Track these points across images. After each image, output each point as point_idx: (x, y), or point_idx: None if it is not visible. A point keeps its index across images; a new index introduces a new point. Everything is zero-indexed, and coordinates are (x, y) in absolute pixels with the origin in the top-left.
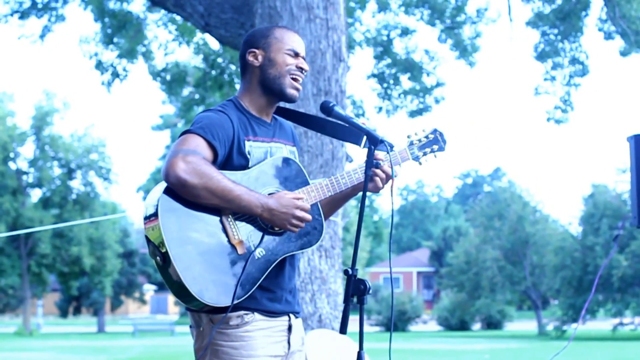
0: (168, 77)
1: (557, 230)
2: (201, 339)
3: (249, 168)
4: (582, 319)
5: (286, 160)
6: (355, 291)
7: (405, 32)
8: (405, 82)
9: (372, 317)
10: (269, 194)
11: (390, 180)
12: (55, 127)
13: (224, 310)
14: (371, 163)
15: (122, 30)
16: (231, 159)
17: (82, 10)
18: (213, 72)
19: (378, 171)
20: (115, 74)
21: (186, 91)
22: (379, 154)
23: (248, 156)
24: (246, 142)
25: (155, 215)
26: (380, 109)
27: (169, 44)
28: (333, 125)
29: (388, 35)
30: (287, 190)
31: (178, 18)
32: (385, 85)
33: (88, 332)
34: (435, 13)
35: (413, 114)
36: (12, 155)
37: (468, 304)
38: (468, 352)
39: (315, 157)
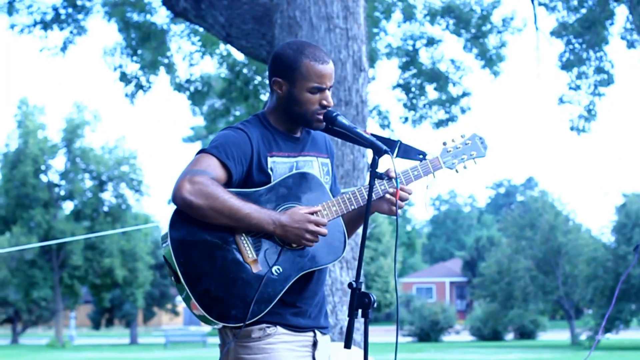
0: (192, 89)
1: (589, 240)
2: (227, 355)
3: (270, 184)
4: (616, 328)
5: (305, 176)
6: (360, 305)
7: (431, 41)
8: (431, 92)
9: (405, 328)
10: (285, 209)
11: (396, 192)
12: (86, 139)
13: (246, 325)
14: (375, 174)
15: (146, 42)
16: (251, 176)
17: (106, 22)
18: (238, 83)
19: (389, 197)
20: (139, 86)
21: (211, 103)
22: (409, 164)
23: (270, 172)
24: (269, 158)
25: (167, 235)
26: (406, 119)
27: (194, 54)
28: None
29: (413, 45)
30: (306, 205)
31: (201, 29)
32: (410, 95)
33: (120, 344)
34: (461, 22)
35: (439, 124)
36: (43, 167)
37: (501, 314)
38: None
39: (336, 168)
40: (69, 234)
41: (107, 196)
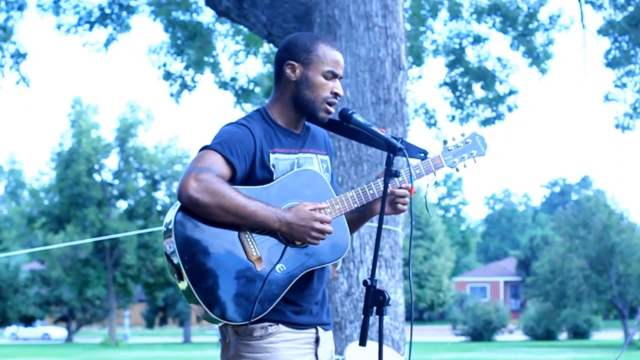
0: (237, 87)
1: None
2: (227, 350)
3: (273, 181)
4: None
5: (308, 173)
6: (375, 302)
7: (478, 40)
8: (478, 90)
9: (458, 327)
10: (289, 207)
11: (412, 188)
12: (139, 138)
13: (251, 323)
14: (390, 171)
15: (191, 41)
16: (254, 173)
17: (152, 21)
18: None
19: (397, 192)
20: (184, 85)
21: (261, 101)
22: (413, 162)
23: (272, 169)
24: (271, 155)
25: (171, 233)
26: (453, 117)
27: (238, 53)
28: (365, 133)
29: (460, 44)
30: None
31: (244, 29)
32: (457, 93)
33: (174, 343)
34: (508, 20)
35: (485, 122)
36: (97, 167)
37: (554, 314)
38: None
39: (375, 166)
40: (122, 233)
41: (160, 195)
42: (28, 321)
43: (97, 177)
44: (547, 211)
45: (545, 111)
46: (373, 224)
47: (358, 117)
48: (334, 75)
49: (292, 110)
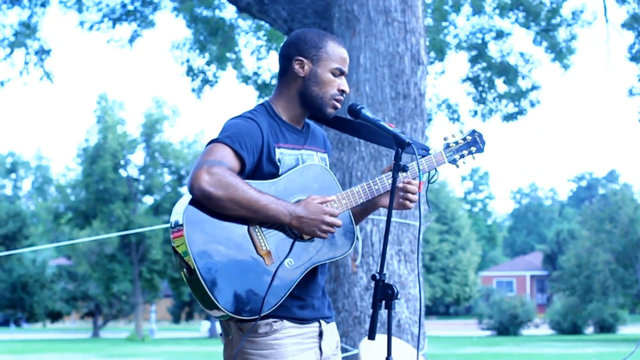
0: (259, 82)
1: None
2: (230, 347)
3: (279, 176)
4: None
5: (316, 168)
6: (383, 296)
7: (500, 35)
8: (500, 85)
9: (484, 321)
10: (298, 201)
11: (419, 184)
12: (165, 134)
13: (261, 318)
14: (398, 166)
15: (213, 37)
16: (260, 167)
17: (174, 17)
18: None
19: (408, 187)
20: (205, 80)
21: None
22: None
23: (278, 164)
24: (276, 150)
25: (180, 227)
26: (475, 112)
27: (260, 49)
28: (368, 128)
29: (483, 39)
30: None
31: (266, 24)
32: (480, 88)
33: (200, 337)
34: (530, 15)
35: (508, 117)
36: (122, 162)
37: (580, 308)
38: (577, 356)
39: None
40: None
41: (186, 190)
42: (55, 317)
43: (123, 173)
44: (574, 205)
45: (570, 106)
46: (394, 218)
47: (367, 112)
48: (341, 72)
49: (298, 105)
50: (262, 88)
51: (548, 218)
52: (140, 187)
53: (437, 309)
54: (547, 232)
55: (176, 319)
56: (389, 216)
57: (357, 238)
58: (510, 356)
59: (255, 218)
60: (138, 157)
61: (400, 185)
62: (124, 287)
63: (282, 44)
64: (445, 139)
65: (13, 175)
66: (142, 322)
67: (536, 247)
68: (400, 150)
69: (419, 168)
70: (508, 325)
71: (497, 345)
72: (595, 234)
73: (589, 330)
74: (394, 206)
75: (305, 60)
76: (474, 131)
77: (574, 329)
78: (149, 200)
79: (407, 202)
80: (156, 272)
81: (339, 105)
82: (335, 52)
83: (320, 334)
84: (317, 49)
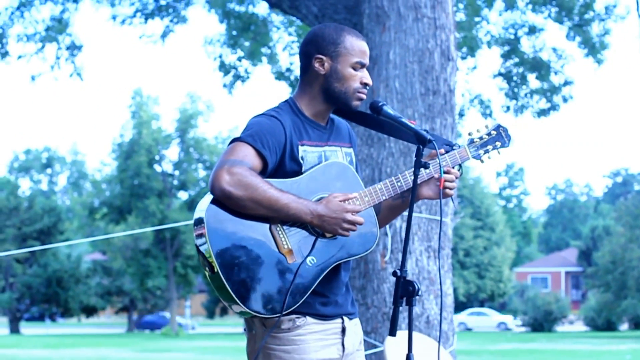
0: (292, 78)
1: None
2: (253, 342)
3: (302, 173)
4: None
5: (338, 165)
6: (405, 293)
7: (533, 30)
8: (533, 80)
9: (519, 317)
10: (319, 199)
11: (441, 181)
12: (200, 129)
13: (283, 315)
14: (420, 163)
15: (246, 32)
16: (283, 165)
17: (207, 12)
18: None
19: (445, 176)
20: (237, 76)
21: None
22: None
23: (301, 161)
24: (300, 147)
25: (202, 225)
26: (508, 108)
27: (292, 44)
28: (391, 124)
29: (515, 34)
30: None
31: (297, 20)
32: (512, 84)
33: (234, 333)
34: (563, 11)
35: (540, 113)
36: (157, 158)
37: (614, 304)
38: (610, 353)
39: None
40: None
41: None
42: (90, 312)
43: (157, 168)
44: (609, 201)
45: (604, 101)
46: (422, 214)
47: (388, 109)
48: (362, 66)
49: (322, 102)
50: (296, 84)
51: (583, 214)
52: (175, 182)
53: (471, 305)
54: (582, 228)
55: (210, 314)
56: (410, 212)
57: (386, 234)
58: (544, 352)
59: (276, 217)
60: (172, 153)
61: (436, 175)
62: (158, 282)
63: (301, 41)
64: (469, 134)
65: (49, 171)
66: (176, 317)
67: (571, 244)
68: (421, 147)
69: (440, 165)
70: (542, 322)
71: (531, 342)
72: (630, 230)
73: (624, 326)
74: (433, 196)
75: (324, 58)
76: (499, 126)
77: (608, 326)
78: (183, 195)
79: (447, 190)
80: (190, 267)
81: (364, 96)
82: (354, 45)
83: (343, 330)
84: (335, 45)
